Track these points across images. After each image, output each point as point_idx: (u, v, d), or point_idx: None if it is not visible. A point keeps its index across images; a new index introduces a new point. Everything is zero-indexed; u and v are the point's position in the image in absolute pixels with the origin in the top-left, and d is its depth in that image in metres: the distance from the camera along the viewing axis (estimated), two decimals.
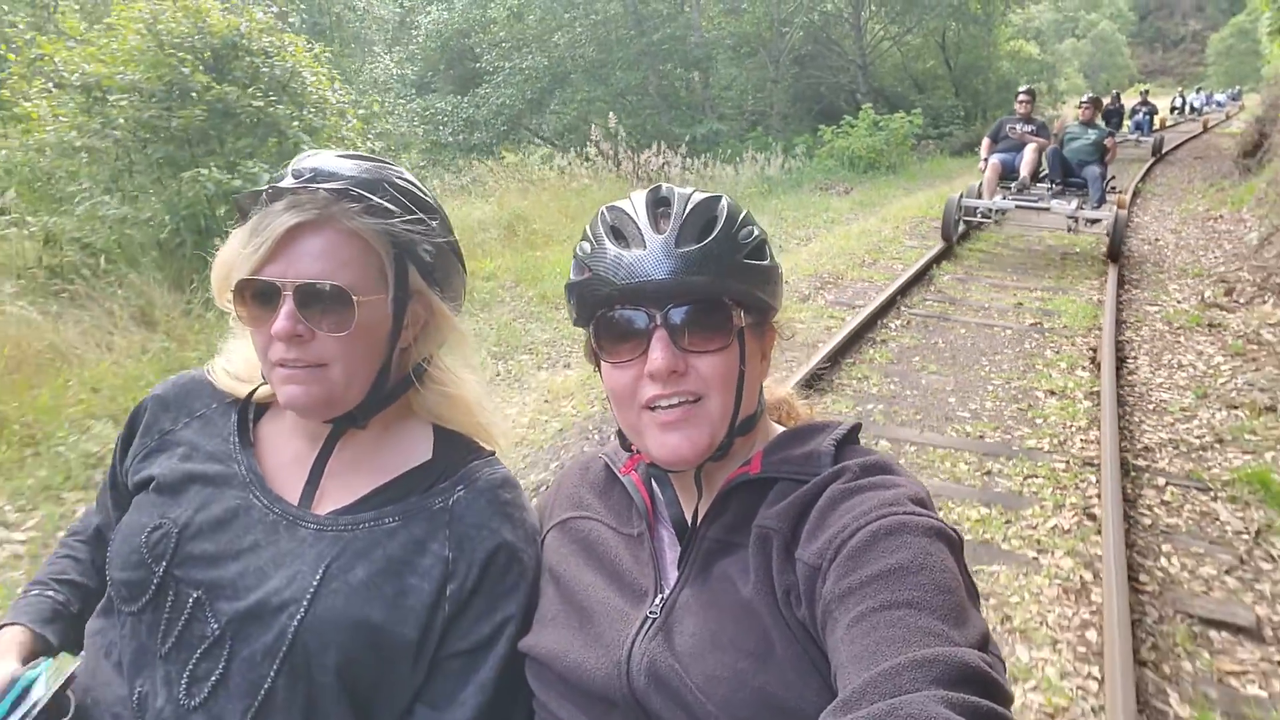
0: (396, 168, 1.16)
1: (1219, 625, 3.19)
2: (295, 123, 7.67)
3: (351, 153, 1.15)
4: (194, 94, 6.97)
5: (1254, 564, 3.59)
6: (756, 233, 1.07)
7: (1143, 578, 3.48)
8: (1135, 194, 14.59)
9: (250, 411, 1.22)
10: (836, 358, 6.03)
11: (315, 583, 1.07)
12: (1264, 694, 2.83)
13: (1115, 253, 9.20)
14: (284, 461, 1.19)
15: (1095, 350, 6.46)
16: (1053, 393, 5.69)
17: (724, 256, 1.01)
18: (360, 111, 9.26)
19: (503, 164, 14.50)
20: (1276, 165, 12.76)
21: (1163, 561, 3.62)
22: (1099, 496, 4.09)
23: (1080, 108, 10.80)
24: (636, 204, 1.06)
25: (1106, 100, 23.24)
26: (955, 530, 0.95)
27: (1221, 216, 12.30)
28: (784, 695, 0.92)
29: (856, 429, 1.12)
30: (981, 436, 4.98)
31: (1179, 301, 8.06)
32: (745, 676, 0.94)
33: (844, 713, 0.76)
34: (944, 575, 0.86)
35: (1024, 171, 10.10)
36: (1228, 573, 3.53)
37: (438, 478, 1.19)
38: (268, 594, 1.06)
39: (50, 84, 7.05)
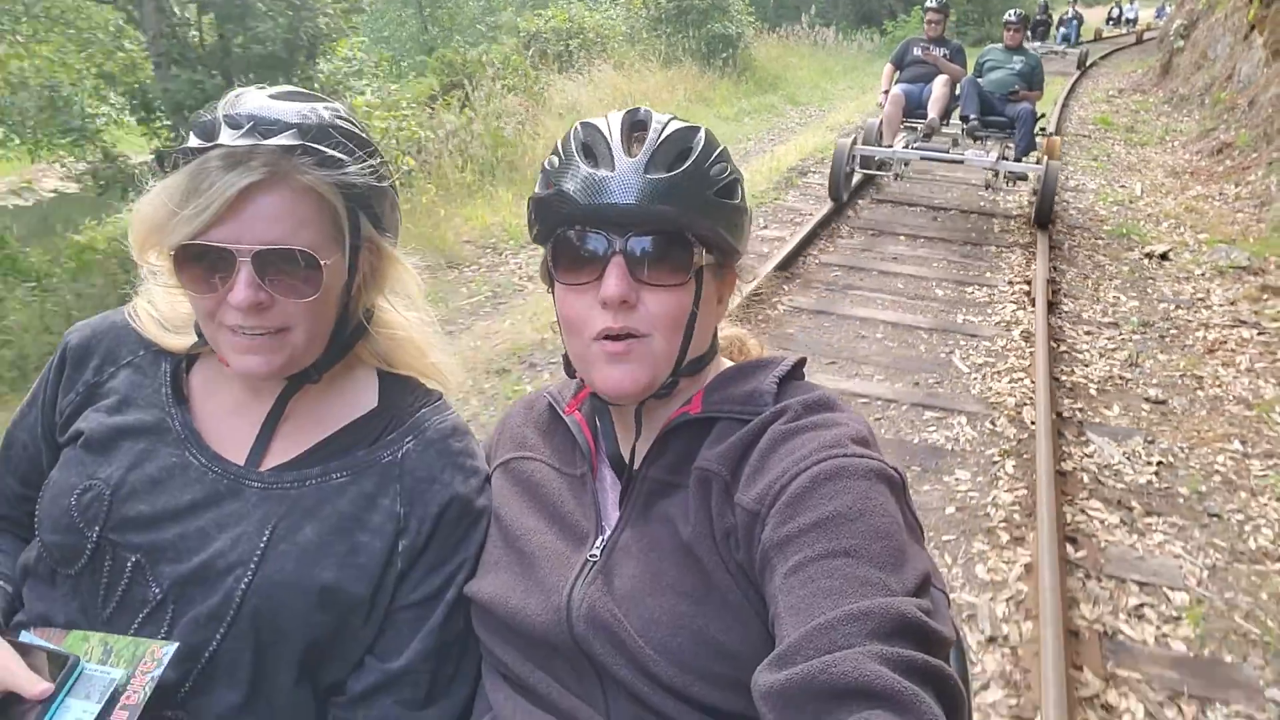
0: (333, 104, 1.08)
1: None
2: None
3: (284, 89, 1.07)
4: None
5: None
6: (730, 170, 1.03)
7: None
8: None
9: (183, 364, 1.15)
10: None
11: (262, 544, 1.04)
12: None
13: (1044, 217, 7.38)
14: (223, 416, 1.13)
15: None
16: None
17: (693, 189, 0.98)
18: None
19: None
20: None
21: None
22: None
23: (1005, 29, 8.73)
24: (612, 123, 1.02)
25: (1035, 12, 23.08)
26: (897, 469, 0.94)
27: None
28: (724, 638, 0.92)
29: (801, 364, 1.10)
30: None
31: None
32: (684, 619, 0.94)
33: (780, 667, 0.78)
34: (883, 520, 0.86)
35: (932, 111, 8.17)
36: None
37: (384, 428, 1.15)
38: (212, 556, 1.03)
39: None
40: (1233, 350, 5.28)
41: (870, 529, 0.85)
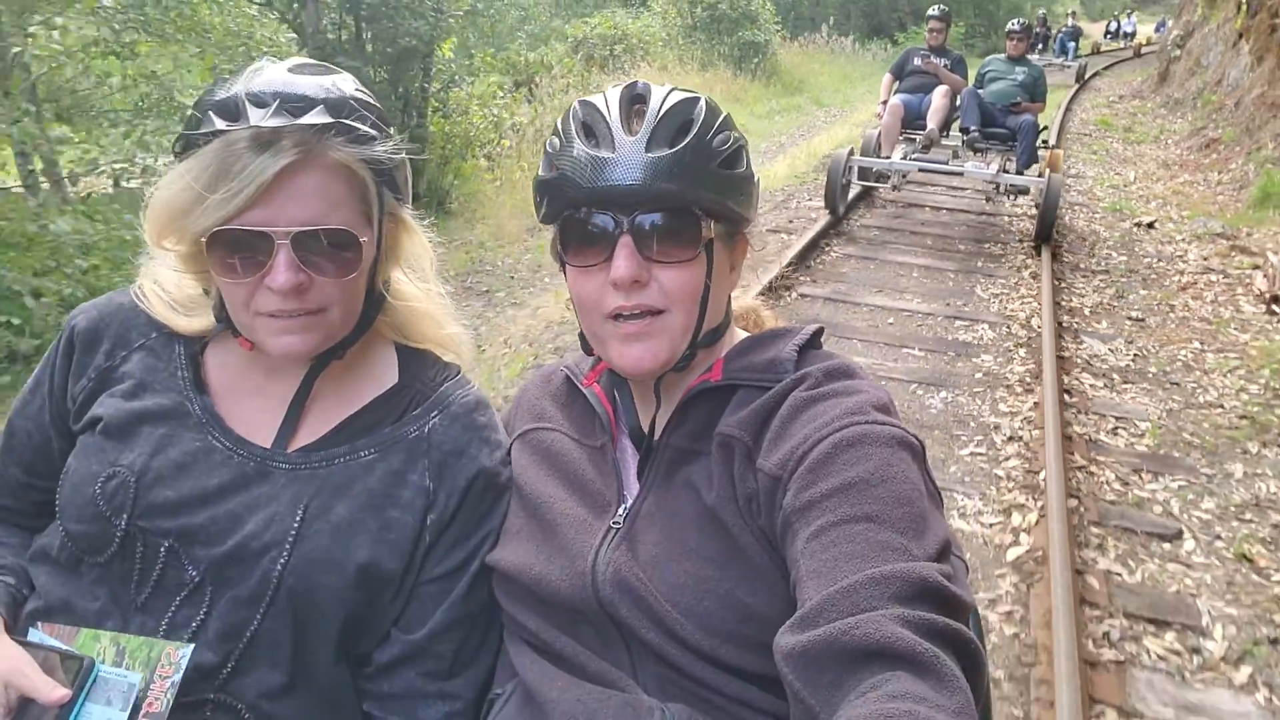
0: (345, 77, 1.07)
1: None
2: None
3: (299, 62, 1.06)
4: None
5: None
6: (734, 138, 1.03)
7: None
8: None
9: (197, 348, 1.14)
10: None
11: (296, 525, 1.04)
12: None
13: (1045, 231, 7.09)
14: (244, 398, 1.12)
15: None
16: None
17: (697, 164, 0.97)
18: None
19: None
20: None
21: None
22: None
23: (1008, 39, 8.47)
24: (610, 101, 1.01)
25: (1034, 25, 23.47)
26: (917, 437, 0.95)
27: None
28: (749, 600, 0.94)
29: (819, 333, 1.10)
30: None
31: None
32: (710, 583, 0.95)
33: (802, 629, 0.78)
34: (904, 486, 0.87)
35: (931, 121, 7.96)
36: None
37: (409, 404, 1.15)
38: (246, 538, 1.03)
39: None
40: (1201, 289, 6.53)
41: (892, 495, 0.86)
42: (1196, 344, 5.42)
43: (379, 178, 1.06)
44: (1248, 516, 3.58)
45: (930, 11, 8.64)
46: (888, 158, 7.85)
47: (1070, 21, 26.15)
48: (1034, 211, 7.74)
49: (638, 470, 1.09)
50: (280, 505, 1.05)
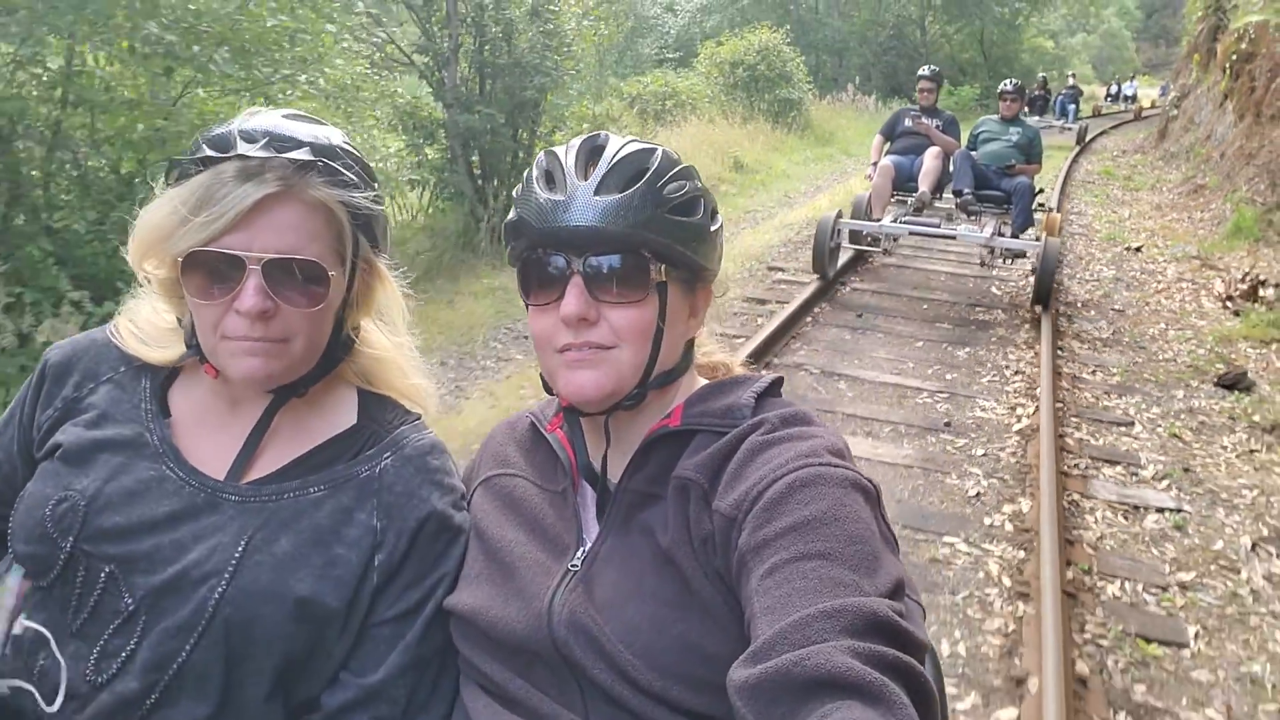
0: (334, 129, 1.12)
1: None
2: None
3: (294, 112, 1.11)
4: None
5: None
6: (687, 188, 1.05)
7: None
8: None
9: (164, 381, 1.17)
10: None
11: (238, 555, 1.04)
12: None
13: (1043, 296, 6.85)
14: (204, 431, 1.14)
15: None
16: None
17: (643, 208, 1.00)
18: None
19: None
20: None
21: None
22: None
23: (1001, 100, 8.27)
24: (570, 150, 1.06)
25: (1034, 87, 23.13)
26: (871, 481, 0.97)
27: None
28: (704, 642, 0.95)
29: (778, 383, 1.13)
30: None
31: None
32: (665, 624, 0.96)
33: (754, 663, 0.79)
34: (857, 526, 0.89)
35: (923, 184, 7.84)
36: None
37: (364, 444, 1.17)
38: (187, 567, 1.03)
39: None
40: (1173, 293, 8.16)
41: (844, 534, 0.88)
42: (1162, 325, 7.06)
43: (356, 222, 1.11)
44: (1182, 417, 5.18)
45: (920, 72, 8.65)
46: (878, 220, 7.71)
47: (1071, 83, 26.48)
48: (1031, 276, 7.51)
49: (596, 512, 1.10)
50: (225, 536, 1.06)
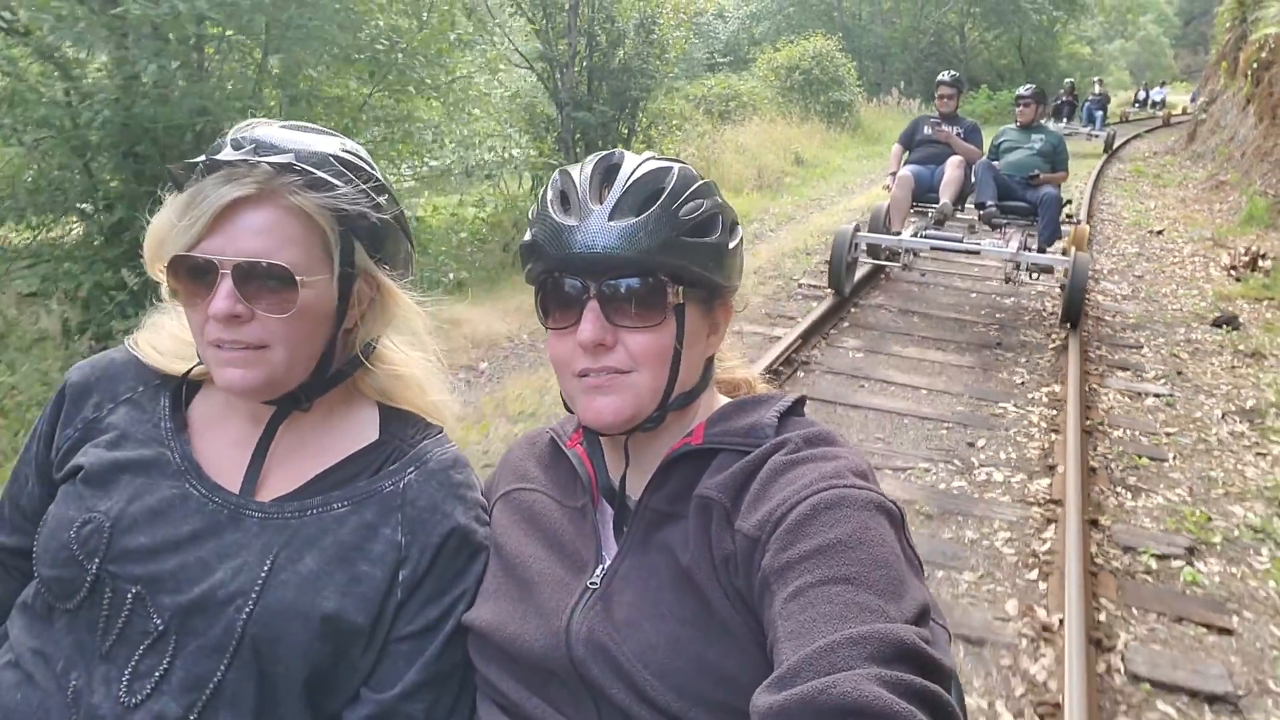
0: (341, 138, 1.13)
1: None
2: None
3: (297, 124, 1.12)
4: None
5: None
6: (704, 207, 1.04)
7: None
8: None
9: (183, 393, 1.17)
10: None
11: (263, 574, 1.05)
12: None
13: (1073, 315, 6.47)
14: (222, 446, 1.14)
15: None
16: None
17: (659, 232, 0.99)
18: None
19: None
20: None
21: None
22: None
23: (1017, 105, 7.82)
24: (585, 170, 1.05)
25: (1060, 93, 22.79)
26: (896, 504, 0.96)
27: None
28: (722, 663, 0.94)
29: (801, 402, 1.12)
30: None
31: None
32: (682, 644, 0.96)
33: (779, 689, 0.78)
34: (882, 550, 0.88)
35: (944, 195, 7.46)
36: None
37: (386, 459, 1.17)
38: (213, 586, 1.03)
39: None
40: (1186, 265, 9.66)
41: (870, 557, 0.87)
42: (1174, 285, 8.59)
43: (345, 228, 1.09)
44: (1181, 344, 6.73)
45: (940, 77, 8.14)
46: (897, 233, 7.34)
47: (1098, 89, 25.10)
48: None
49: (614, 530, 1.10)
50: (250, 554, 1.06)
